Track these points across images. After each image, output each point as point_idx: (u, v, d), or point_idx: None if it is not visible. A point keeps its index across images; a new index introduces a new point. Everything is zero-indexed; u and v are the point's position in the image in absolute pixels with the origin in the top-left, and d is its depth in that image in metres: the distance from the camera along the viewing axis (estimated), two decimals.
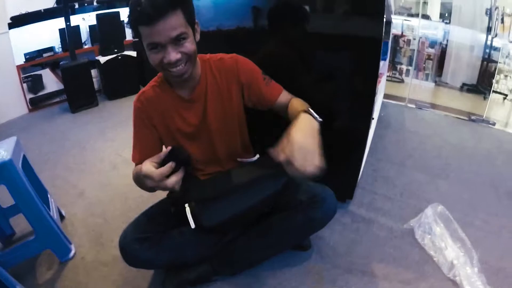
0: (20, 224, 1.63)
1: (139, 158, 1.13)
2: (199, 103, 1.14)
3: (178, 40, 0.94)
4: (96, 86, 3.54)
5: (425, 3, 3.05)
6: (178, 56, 0.95)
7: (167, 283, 1.22)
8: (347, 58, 1.36)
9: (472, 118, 2.61)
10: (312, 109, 1.02)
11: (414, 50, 3.24)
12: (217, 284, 1.27)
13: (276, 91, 1.18)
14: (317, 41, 1.37)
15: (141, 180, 0.96)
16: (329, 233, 1.47)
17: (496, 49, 3.03)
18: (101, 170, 2.18)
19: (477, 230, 1.45)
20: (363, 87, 1.36)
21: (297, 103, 1.11)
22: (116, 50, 3.48)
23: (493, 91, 3.00)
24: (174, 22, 0.92)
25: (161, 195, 1.28)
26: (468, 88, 3.16)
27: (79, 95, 3.28)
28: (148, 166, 0.90)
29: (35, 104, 3.41)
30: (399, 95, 3.09)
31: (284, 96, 1.18)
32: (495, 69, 3.01)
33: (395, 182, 1.82)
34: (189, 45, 0.97)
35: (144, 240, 1.12)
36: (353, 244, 1.42)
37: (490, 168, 1.94)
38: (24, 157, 1.51)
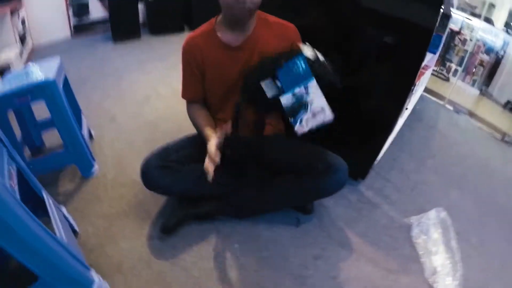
0: (50, 138, 1.80)
1: (187, 96, 1.37)
2: (245, 52, 1.23)
3: None
4: (140, 19, 3.60)
5: (492, 5, 2.90)
6: None
7: (175, 212, 1.37)
8: (394, 42, 1.35)
9: (505, 139, 2.52)
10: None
11: (467, 51, 3.11)
12: (219, 224, 1.41)
13: None
14: (368, 17, 1.36)
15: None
16: (333, 205, 1.56)
17: None
18: (135, 101, 2.32)
19: (471, 247, 1.46)
20: (403, 76, 1.38)
21: None
22: None
23: None
24: None
25: (190, 131, 1.43)
26: None
27: (123, 26, 3.38)
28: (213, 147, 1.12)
29: (79, 29, 3.54)
30: (440, 92, 3.02)
31: None
32: None
33: (410, 176, 1.86)
34: None
35: (165, 168, 1.26)
36: (353, 221, 1.51)
37: (505, 196, 1.87)
38: (66, 77, 1.64)
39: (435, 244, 1.44)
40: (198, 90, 1.33)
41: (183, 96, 1.37)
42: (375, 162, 1.70)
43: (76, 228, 1.35)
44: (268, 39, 1.23)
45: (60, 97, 1.43)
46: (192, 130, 1.41)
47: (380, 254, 1.39)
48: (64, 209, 1.32)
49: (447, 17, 2.45)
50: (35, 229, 0.84)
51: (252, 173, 1.36)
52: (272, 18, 1.26)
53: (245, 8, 1.10)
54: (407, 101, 1.51)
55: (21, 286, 0.84)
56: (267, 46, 1.22)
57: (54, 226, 1.05)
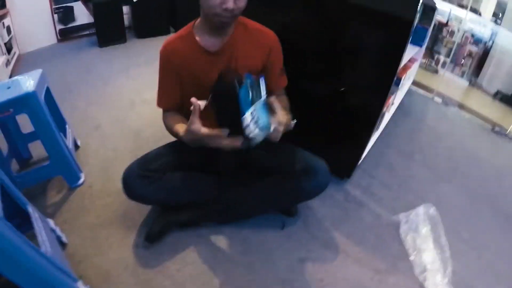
0: (37, 149, 1.80)
1: (163, 104, 1.33)
2: (223, 58, 1.23)
3: None
4: (126, 22, 3.61)
5: None
6: (235, 6, 1.07)
7: (159, 220, 1.39)
8: (376, 36, 1.36)
9: (495, 129, 2.57)
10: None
11: (455, 42, 3.15)
12: (203, 230, 1.43)
13: (282, 84, 1.34)
14: (350, 12, 1.37)
15: (185, 138, 1.07)
16: (319, 205, 1.59)
17: None
18: (119, 107, 2.34)
19: (461, 242, 1.49)
20: (384, 69, 1.39)
21: (284, 103, 1.26)
22: None
23: None
24: None
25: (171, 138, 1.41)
26: (502, 97, 3.00)
27: (108, 30, 3.39)
28: (201, 128, 0.99)
29: (65, 35, 3.54)
30: (428, 85, 3.05)
31: (282, 91, 1.34)
32: None
33: (397, 172, 1.88)
34: (244, 3, 1.11)
35: (146, 177, 1.27)
36: (339, 221, 1.53)
37: (497, 186, 1.92)
38: (48, 89, 1.65)
39: (424, 241, 1.46)
40: (174, 97, 1.32)
41: (159, 104, 1.35)
42: (361, 159, 1.72)
43: (65, 239, 1.36)
44: (246, 45, 1.24)
45: (42, 109, 1.44)
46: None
47: (367, 253, 1.41)
48: (51, 222, 1.33)
49: (432, 9, 2.47)
50: (20, 245, 0.86)
51: (233, 176, 1.38)
52: (251, 24, 1.26)
53: (232, 16, 1.11)
54: (390, 95, 1.52)
55: None
56: (245, 52, 1.23)
57: (40, 240, 1.06)
